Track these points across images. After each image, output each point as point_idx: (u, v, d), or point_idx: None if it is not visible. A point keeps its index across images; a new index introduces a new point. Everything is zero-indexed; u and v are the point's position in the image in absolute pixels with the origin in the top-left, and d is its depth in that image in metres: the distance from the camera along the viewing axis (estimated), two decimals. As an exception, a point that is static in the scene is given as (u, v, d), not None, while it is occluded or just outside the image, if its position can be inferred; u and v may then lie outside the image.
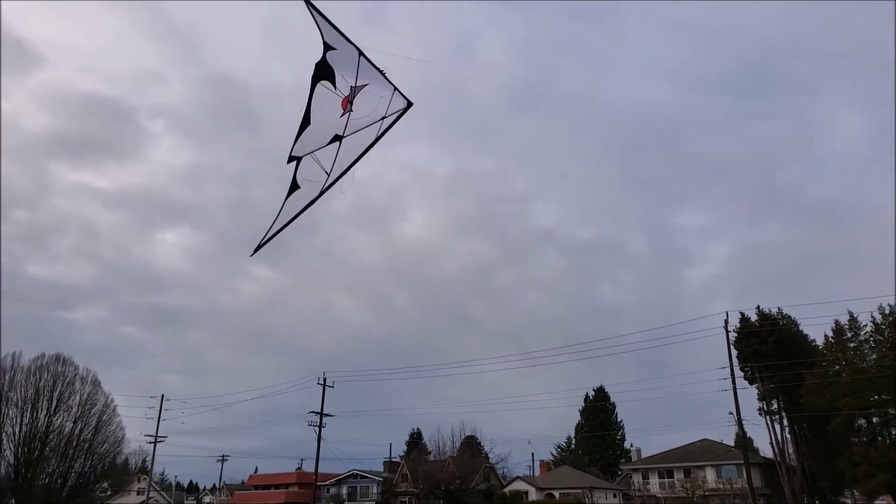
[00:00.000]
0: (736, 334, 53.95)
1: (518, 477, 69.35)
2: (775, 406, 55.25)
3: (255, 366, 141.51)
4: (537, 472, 75.99)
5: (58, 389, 52.76)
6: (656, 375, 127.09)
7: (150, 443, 70.19)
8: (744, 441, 52.07)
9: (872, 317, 48.73)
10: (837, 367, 50.65)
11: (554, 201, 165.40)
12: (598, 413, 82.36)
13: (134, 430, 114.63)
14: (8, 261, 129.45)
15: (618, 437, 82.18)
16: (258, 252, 6.75)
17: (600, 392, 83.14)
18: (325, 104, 6.41)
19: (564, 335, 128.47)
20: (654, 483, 61.88)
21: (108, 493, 60.51)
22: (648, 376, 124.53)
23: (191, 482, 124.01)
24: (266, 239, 6.71)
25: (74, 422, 53.01)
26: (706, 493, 54.51)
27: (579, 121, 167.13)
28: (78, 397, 53.83)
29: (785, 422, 55.26)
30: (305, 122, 6.39)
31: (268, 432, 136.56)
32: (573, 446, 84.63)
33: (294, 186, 6.63)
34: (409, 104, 6.61)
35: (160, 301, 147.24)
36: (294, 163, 6.54)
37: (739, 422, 47.35)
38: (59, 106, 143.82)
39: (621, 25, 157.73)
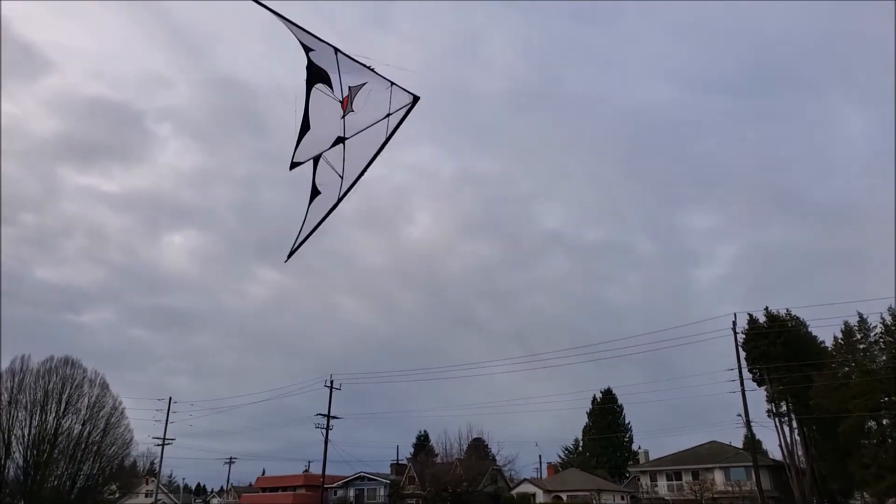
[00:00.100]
0: (744, 336, 53.70)
1: (525, 479, 69.20)
2: (784, 408, 54.95)
3: (262, 368, 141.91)
4: (545, 475, 75.81)
5: (66, 392, 53.06)
6: (664, 377, 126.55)
7: (158, 445, 70.48)
8: (752, 443, 51.80)
9: (882, 318, 48.46)
10: (847, 368, 50.36)
11: (560, 202, 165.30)
12: (606, 415, 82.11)
13: (142, 432, 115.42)
14: (16, 264, 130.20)
15: (625, 440, 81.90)
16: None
17: (608, 394, 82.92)
18: (323, 107, 6.33)
19: (571, 337, 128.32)
20: (663, 485, 61.60)
21: (117, 495, 60.82)
22: (656, 378, 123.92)
23: (199, 484, 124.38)
24: (297, 245, 6.73)
25: (83, 424, 53.29)
26: (715, 496, 54.21)
27: (584, 121, 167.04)
28: (86, 400, 54.20)
29: (794, 424, 54.94)
30: (305, 127, 6.32)
31: (275, 434, 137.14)
32: (581, 448, 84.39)
33: (315, 192, 6.62)
34: (416, 98, 6.54)
35: (167, 303, 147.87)
36: (304, 168, 6.51)
37: (748, 424, 47.11)
38: (66, 110, 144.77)
39: (625, 26, 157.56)
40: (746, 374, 49.74)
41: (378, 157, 6.62)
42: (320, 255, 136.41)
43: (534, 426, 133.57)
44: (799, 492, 52.77)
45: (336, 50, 6.10)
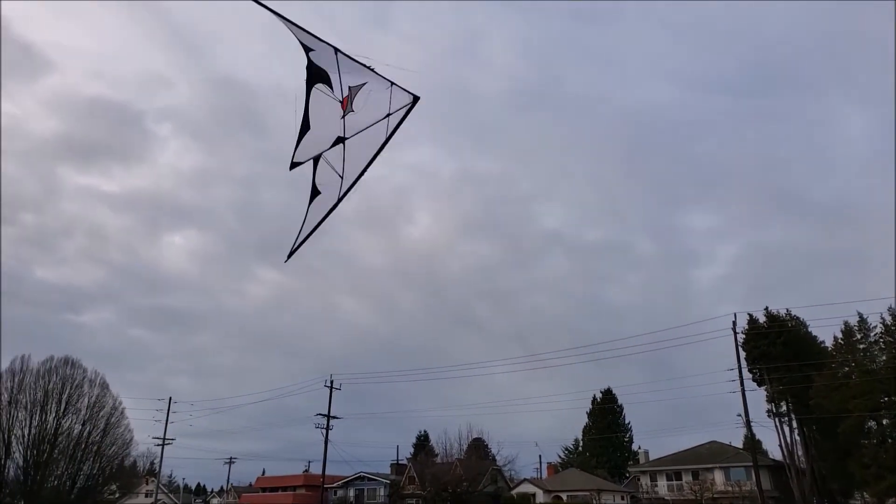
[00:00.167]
0: (744, 336, 53.71)
1: (525, 479, 69.21)
2: (784, 408, 54.97)
3: (262, 368, 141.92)
4: (545, 475, 75.83)
5: (66, 392, 53.07)
6: (664, 377, 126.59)
7: (158, 445, 70.49)
8: (752, 443, 51.80)
9: (882, 318, 48.47)
10: (847, 368, 50.38)
11: (560, 202, 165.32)
12: (606, 415, 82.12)
13: (142, 432, 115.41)
14: (16, 264, 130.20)
15: (625, 440, 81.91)
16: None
17: (608, 394, 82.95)
18: (323, 107, 6.32)
19: (571, 337, 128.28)
20: (663, 485, 61.61)
21: (117, 495, 60.83)
22: (656, 378, 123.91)
23: (199, 484, 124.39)
24: (297, 246, 6.72)
25: (83, 424, 53.30)
26: (715, 496, 54.22)
27: (584, 121, 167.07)
28: (86, 400, 54.21)
29: (794, 424, 54.95)
30: (305, 127, 6.31)
31: (275, 434, 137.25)
32: (581, 448, 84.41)
33: (315, 192, 6.62)
34: (416, 98, 6.54)
35: (167, 303, 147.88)
36: (305, 168, 6.51)
37: (748, 424, 47.11)
38: (66, 110, 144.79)
39: (625, 26, 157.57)
40: (746, 374, 49.77)
41: (378, 157, 6.63)
42: (320, 255, 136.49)
43: (534, 426, 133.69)
44: (799, 492, 52.78)
45: (336, 50, 6.09)
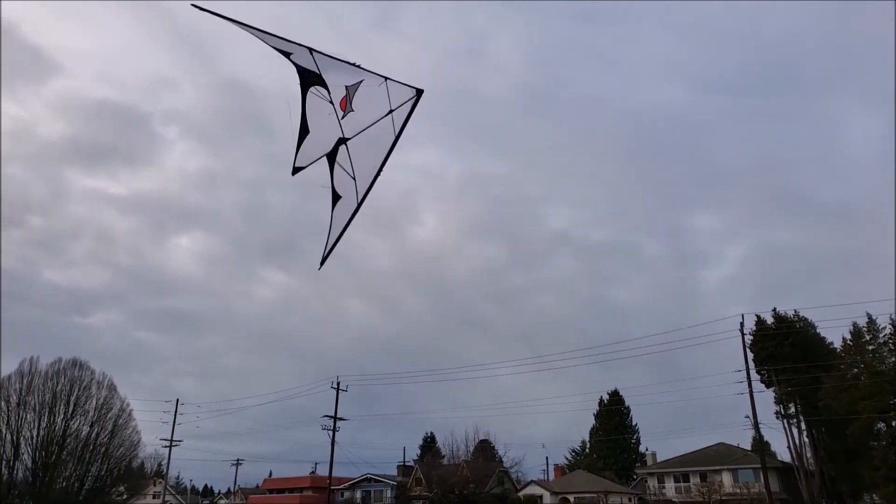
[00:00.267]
0: (752, 337, 53.46)
1: (532, 481, 69.09)
2: (792, 409, 54.71)
3: (269, 370, 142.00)
4: (552, 476, 75.67)
5: (74, 394, 53.32)
6: (671, 378, 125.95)
7: (166, 447, 70.76)
8: (761, 445, 51.57)
9: (891, 319, 48.26)
10: (856, 369, 50.12)
11: (566, 204, 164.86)
12: (613, 417, 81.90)
13: (149, 434, 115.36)
14: (24, 266, 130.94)
15: (633, 441, 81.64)
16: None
17: (615, 395, 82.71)
18: (321, 109, 6.26)
19: (578, 338, 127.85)
20: (670, 487, 61.40)
21: (125, 496, 61.00)
22: (663, 379, 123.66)
23: (206, 486, 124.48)
24: (328, 252, 6.69)
25: (91, 426, 53.55)
26: (723, 498, 53.98)
27: (591, 122, 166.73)
28: (94, 402, 54.42)
29: (802, 425, 54.67)
30: (304, 131, 6.24)
31: (282, 436, 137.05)
32: (588, 450, 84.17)
33: (336, 196, 6.60)
34: (419, 91, 6.48)
35: (174, 305, 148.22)
36: (310, 171, 6.47)
37: (756, 425, 46.97)
38: (73, 113, 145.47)
39: (633, 27, 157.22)
40: (754, 376, 49.59)
41: (373, 155, 6.59)
42: (329, 258, 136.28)
43: (540, 428, 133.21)
44: (808, 494, 52.48)
45: (311, 50, 5.99)
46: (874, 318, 49.84)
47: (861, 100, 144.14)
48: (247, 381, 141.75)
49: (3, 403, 51.63)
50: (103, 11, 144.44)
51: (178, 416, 71.17)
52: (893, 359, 47.74)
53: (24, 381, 52.51)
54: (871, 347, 50.25)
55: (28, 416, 51.46)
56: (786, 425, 54.91)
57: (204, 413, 74.34)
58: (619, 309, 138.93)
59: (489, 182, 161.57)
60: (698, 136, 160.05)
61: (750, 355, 50.14)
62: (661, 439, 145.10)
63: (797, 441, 54.85)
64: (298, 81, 6.18)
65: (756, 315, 56.70)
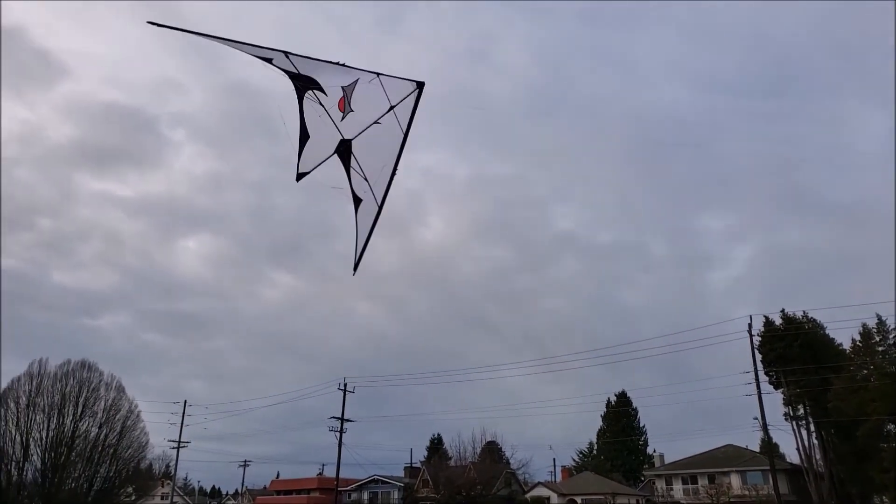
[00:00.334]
0: (760, 338, 53.19)
1: (540, 483, 69.00)
2: (801, 411, 54.38)
3: (276, 371, 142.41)
4: (559, 478, 75.53)
5: (83, 395, 53.52)
6: (679, 380, 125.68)
7: (174, 448, 71.09)
8: (769, 447, 51.30)
9: (897, 319, 47.89)
10: (865, 371, 49.80)
11: (573, 205, 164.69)
12: (621, 418, 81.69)
13: (157, 435, 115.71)
14: (33, 268, 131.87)
15: (640, 443, 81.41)
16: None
17: (622, 397, 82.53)
18: (320, 112, 6.20)
19: (585, 339, 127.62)
20: (678, 489, 61.15)
21: (133, 497, 61.19)
22: (671, 381, 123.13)
23: (213, 487, 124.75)
24: (359, 257, 6.70)
25: (100, 427, 53.74)
26: (731, 500, 53.73)
27: (598, 123, 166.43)
28: (103, 403, 54.61)
29: (812, 427, 54.34)
30: (304, 136, 6.19)
31: (289, 437, 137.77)
32: (595, 452, 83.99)
33: (357, 200, 6.56)
34: (420, 84, 6.42)
35: (182, 307, 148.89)
36: (315, 173, 6.43)
37: (765, 427, 46.70)
38: (82, 116, 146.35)
39: (639, 27, 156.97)
40: (763, 377, 49.42)
41: (384, 160, 6.54)
42: (334, 259, 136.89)
43: (548, 429, 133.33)
44: (817, 496, 52.15)
45: (286, 53, 5.92)
46: (884, 318, 49.60)
47: (870, 99, 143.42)
48: (254, 382, 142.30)
49: (12, 405, 51.92)
50: (110, 14, 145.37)
51: (185, 417, 71.51)
52: (903, 360, 47.43)
53: (34, 383, 52.77)
54: (880, 349, 49.91)
55: (37, 417, 51.72)
56: (795, 427, 54.61)
57: (211, 414, 74.66)
58: (627, 310, 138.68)
59: (495, 183, 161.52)
60: (705, 136, 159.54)
61: (758, 356, 49.90)
62: (668, 441, 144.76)
63: (806, 443, 54.56)
64: (293, 87, 6.10)
65: (764, 316, 56.52)
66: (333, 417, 62.50)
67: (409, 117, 6.50)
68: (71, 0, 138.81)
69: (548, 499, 63.21)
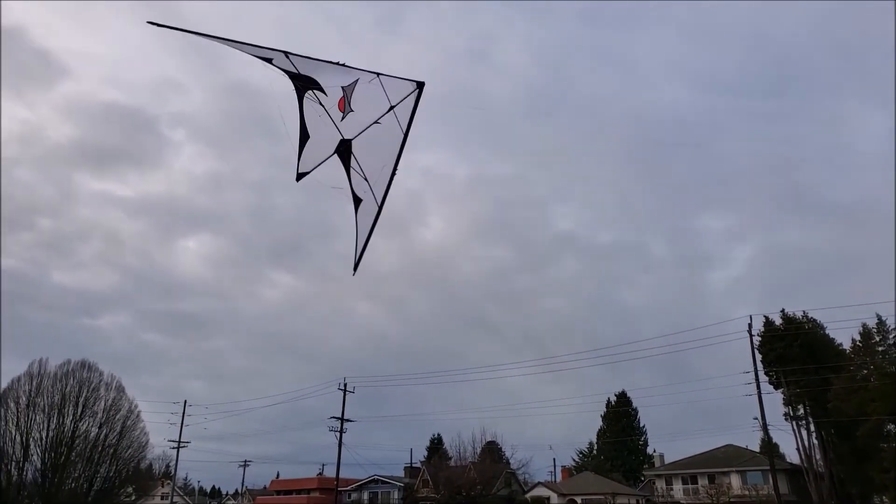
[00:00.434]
0: (760, 338, 53.20)
1: (540, 483, 68.99)
2: (801, 411, 54.38)
3: (276, 371, 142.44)
4: (559, 478, 75.52)
5: (83, 395, 53.52)
6: (679, 380, 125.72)
7: (174, 448, 71.09)
8: (769, 447, 51.31)
9: (897, 319, 47.89)
10: (865, 371, 49.80)
11: (573, 205, 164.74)
12: (621, 418, 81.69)
13: (157, 435, 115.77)
14: (33, 268, 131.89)
15: (640, 443, 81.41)
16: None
17: (622, 397, 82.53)
18: (319, 112, 6.19)
19: (585, 340, 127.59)
20: (678, 489, 61.14)
21: (133, 497, 61.19)
22: (671, 381, 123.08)
23: (213, 487, 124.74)
24: (359, 258, 6.71)
25: (100, 427, 53.73)
26: (731, 500, 53.73)
27: (598, 123, 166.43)
28: (103, 403, 54.61)
29: (812, 427, 54.34)
30: (304, 136, 6.17)
31: (289, 437, 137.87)
32: (595, 452, 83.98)
33: (357, 200, 6.55)
34: (420, 84, 6.41)
35: (182, 307, 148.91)
36: (315, 173, 6.41)
37: (765, 427, 46.70)
38: (81, 116, 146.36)
39: (639, 27, 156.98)
40: (763, 377, 49.42)
41: (385, 161, 6.53)
42: (334, 259, 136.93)
43: (548, 429, 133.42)
44: (817, 496, 52.16)
45: (286, 53, 5.92)
46: (884, 318, 49.60)
47: (870, 99, 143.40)
48: (254, 382, 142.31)
49: (12, 405, 51.91)
50: (110, 14, 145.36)
51: (185, 417, 71.53)
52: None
53: (34, 383, 52.76)
54: (880, 349, 49.91)
55: (37, 417, 51.71)
56: (795, 427, 54.61)
57: (211, 414, 74.73)
58: (627, 310, 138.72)
59: (495, 183, 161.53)
60: (705, 136, 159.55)
61: (758, 356, 49.90)
62: (668, 441, 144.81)
63: (806, 443, 54.56)
64: (293, 87, 6.09)
65: (764, 316, 56.53)
66: (333, 417, 62.56)
67: (409, 117, 6.49)
68: (71, 0, 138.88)
69: (548, 499, 63.20)
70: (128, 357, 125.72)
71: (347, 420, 62.69)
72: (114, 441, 54.39)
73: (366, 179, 6.48)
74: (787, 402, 54.32)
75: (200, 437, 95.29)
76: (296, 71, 5.99)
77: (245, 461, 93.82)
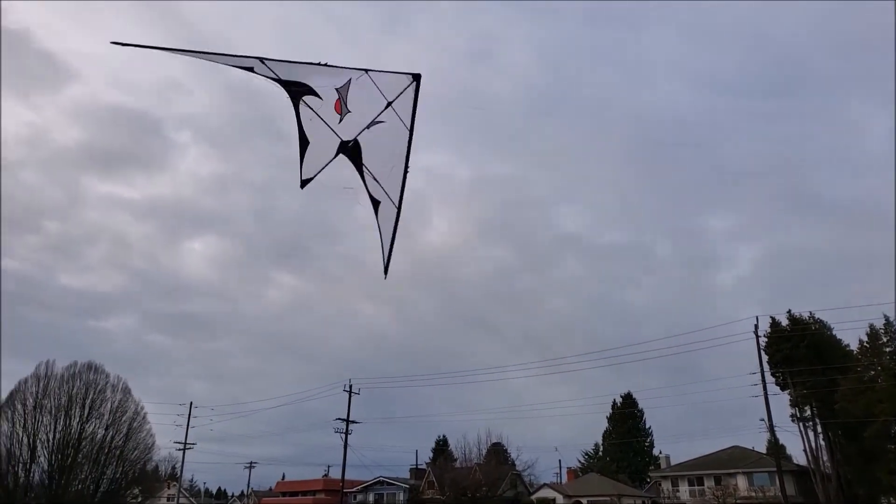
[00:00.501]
0: (766, 339, 53.00)
1: (545, 484, 68.81)
2: (808, 412, 54.13)
3: (280, 372, 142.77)
4: (565, 480, 75.35)
5: (90, 397, 53.65)
6: (685, 381, 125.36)
7: (180, 449, 71.29)
8: (776, 448, 51.10)
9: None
10: (872, 371, 49.55)
11: (577, 206, 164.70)
12: (626, 420, 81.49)
13: (163, 437, 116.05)
14: (40, 271, 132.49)
15: (646, 444, 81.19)
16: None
17: (628, 398, 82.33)
18: (317, 117, 6.06)
19: (590, 340, 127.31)
20: (684, 491, 60.93)
21: (139, 499, 61.34)
22: (677, 382, 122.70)
23: (219, 489, 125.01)
24: (387, 260, 6.66)
25: (106, 429, 53.86)
26: (738, 501, 53.52)
27: (601, 124, 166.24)
28: (109, 405, 54.74)
29: (818, 428, 54.09)
30: (304, 142, 6.03)
31: (295, 439, 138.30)
32: (601, 453, 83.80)
33: (375, 202, 6.50)
34: (416, 76, 6.34)
35: (188, 309, 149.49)
36: (320, 175, 6.36)
37: (771, 428, 46.53)
38: (88, 119, 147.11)
39: (642, 28, 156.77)
40: (769, 378, 49.19)
41: (393, 154, 6.49)
42: (338, 261, 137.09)
43: (553, 431, 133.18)
44: (824, 497, 51.90)
45: (261, 59, 5.78)
46: (891, 319, 49.34)
47: (876, 99, 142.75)
48: (259, 383, 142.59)
49: (19, 407, 52.08)
50: (115, 16, 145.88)
51: (191, 419, 71.74)
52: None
53: (41, 385, 52.92)
54: (888, 349, 49.66)
55: (44, 419, 51.85)
56: (801, 428, 54.36)
57: (217, 416, 74.94)
58: (632, 311, 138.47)
59: (498, 184, 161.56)
60: (707, 136, 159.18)
61: (765, 357, 49.74)
62: (674, 442, 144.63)
63: (813, 444, 54.30)
64: (288, 95, 5.92)
65: (770, 317, 56.35)
66: (339, 419, 62.58)
67: (411, 113, 6.41)
68: (75, 0, 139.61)
69: (553, 500, 63.05)
70: (133, 358, 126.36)
71: (353, 421, 62.77)
72: (120, 443, 54.53)
73: (376, 180, 6.43)
74: (793, 404, 54.08)
75: (206, 439, 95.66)
76: (277, 77, 5.84)
77: (251, 463, 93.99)
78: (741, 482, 56.40)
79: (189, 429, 71.21)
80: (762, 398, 45.71)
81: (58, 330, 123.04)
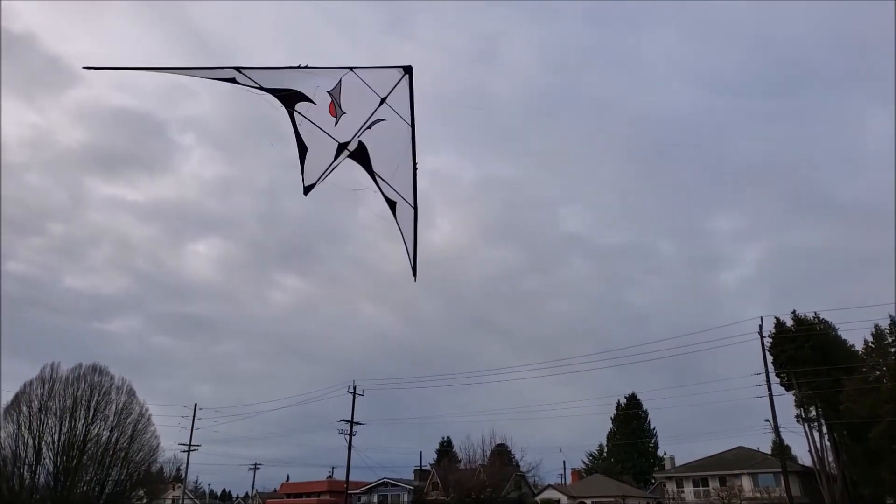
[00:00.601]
0: (771, 340, 52.89)
1: (550, 485, 68.74)
2: (813, 413, 53.99)
3: (285, 374, 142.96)
4: (569, 481, 75.25)
5: (95, 399, 53.77)
6: (689, 382, 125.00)
7: (184, 451, 71.35)
8: (781, 449, 50.98)
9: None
10: (878, 372, 49.39)
11: (581, 206, 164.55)
12: (631, 420, 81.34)
13: (168, 438, 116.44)
14: (45, 273, 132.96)
15: (651, 445, 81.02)
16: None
17: (632, 399, 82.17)
18: (304, 123, 5.97)
19: (594, 342, 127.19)
20: (689, 491, 60.83)
21: (144, 500, 61.49)
22: (681, 383, 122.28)
23: (224, 490, 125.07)
24: (414, 262, 6.72)
25: (111, 431, 53.96)
26: (743, 502, 53.40)
27: (605, 124, 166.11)
28: (114, 406, 54.83)
29: (824, 429, 53.94)
30: (302, 148, 5.97)
31: (299, 440, 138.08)
32: (605, 454, 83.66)
33: (392, 204, 6.45)
34: (406, 69, 6.26)
35: (192, 311, 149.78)
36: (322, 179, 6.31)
37: (776, 429, 46.40)
38: (92, 121, 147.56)
39: (646, 28, 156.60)
40: (774, 379, 49.14)
41: (398, 152, 6.43)
42: (343, 262, 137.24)
43: (558, 432, 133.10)
44: (829, 498, 51.74)
45: (237, 69, 5.61)
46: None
47: (881, 98, 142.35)
48: (264, 385, 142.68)
49: (24, 409, 52.26)
50: (119, 18, 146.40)
51: (196, 420, 71.79)
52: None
53: (46, 387, 53.06)
54: (893, 350, 49.49)
55: (49, 420, 51.99)
56: (806, 429, 54.25)
57: (222, 417, 75.09)
58: (636, 312, 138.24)
59: (502, 185, 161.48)
60: (714, 137, 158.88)
61: (769, 358, 49.61)
62: (679, 443, 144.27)
63: (818, 445, 54.15)
64: (281, 104, 5.80)
65: (775, 317, 56.26)
66: (343, 420, 62.60)
67: (409, 107, 6.32)
68: (78, 0, 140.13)
69: (558, 501, 62.98)
70: (138, 360, 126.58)
71: (357, 423, 62.81)
72: (125, 444, 54.62)
73: (387, 182, 6.40)
74: (798, 404, 53.96)
75: (211, 441, 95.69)
76: (259, 85, 5.69)
77: (255, 464, 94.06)
78: (746, 483, 56.27)
79: (194, 430, 71.33)
80: (767, 399, 45.67)
81: (63, 332, 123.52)
